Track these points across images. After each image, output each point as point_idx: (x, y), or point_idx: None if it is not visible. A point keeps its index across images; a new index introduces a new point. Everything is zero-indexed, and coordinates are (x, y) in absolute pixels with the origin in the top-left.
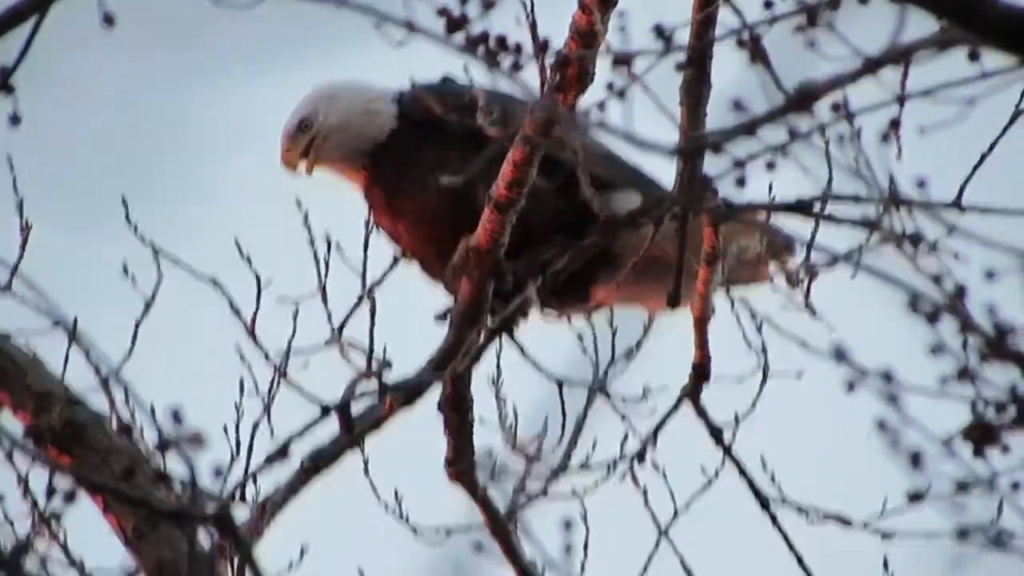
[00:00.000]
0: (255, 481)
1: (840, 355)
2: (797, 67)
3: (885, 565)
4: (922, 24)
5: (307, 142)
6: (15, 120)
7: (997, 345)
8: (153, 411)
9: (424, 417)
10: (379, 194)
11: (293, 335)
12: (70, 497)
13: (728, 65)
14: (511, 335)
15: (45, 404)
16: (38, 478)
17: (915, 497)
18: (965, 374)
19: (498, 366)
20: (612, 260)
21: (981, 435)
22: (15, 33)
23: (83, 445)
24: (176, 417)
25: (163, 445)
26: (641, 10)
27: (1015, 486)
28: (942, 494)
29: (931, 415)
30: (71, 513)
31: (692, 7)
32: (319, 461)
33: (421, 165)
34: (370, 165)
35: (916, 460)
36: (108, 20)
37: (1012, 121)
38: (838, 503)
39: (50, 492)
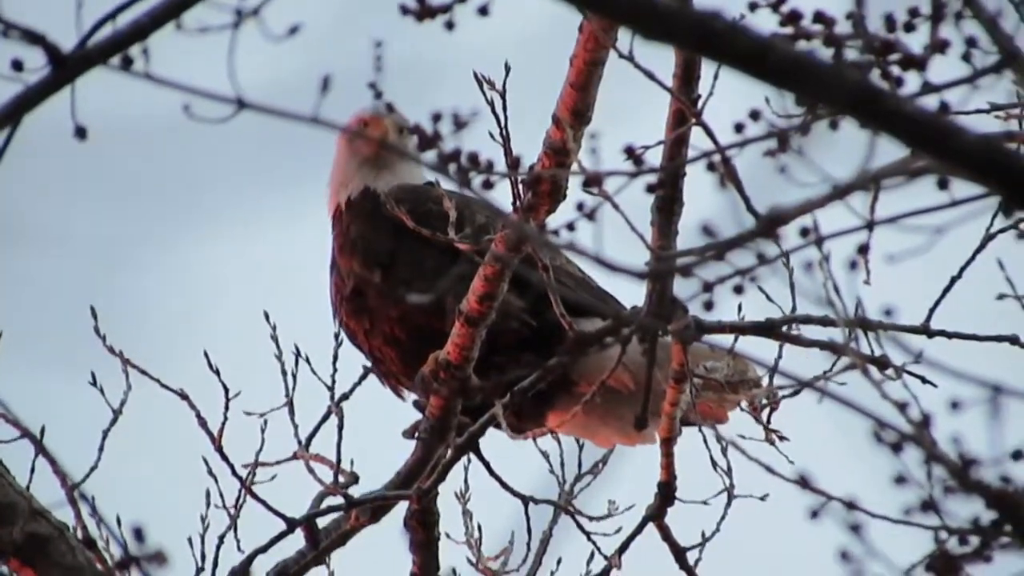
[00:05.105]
0: None
1: (804, 483)
2: (767, 191)
3: None
4: (892, 151)
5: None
6: None
7: (962, 476)
8: (119, 523)
9: (390, 532)
10: (337, 262)
11: (260, 448)
12: None
13: (699, 186)
14: (478, 452)
15: (9, 516)
16: None
17: None
18: (928, 505)
19: (466, 482)
20: (569, 386)
21: (944, 566)
22: None
23: (46, 559)
24: (138, 535)
25: (125, 563)
26: (613, 129)
27: None
28: None
29: (894, 544)
30: None
31: (665, 127)
32: (284, 575)
33: (378, 260)
34: (337, 222)
35: None
36: (80, 133)
37: (983, 245)
38: None
39: None
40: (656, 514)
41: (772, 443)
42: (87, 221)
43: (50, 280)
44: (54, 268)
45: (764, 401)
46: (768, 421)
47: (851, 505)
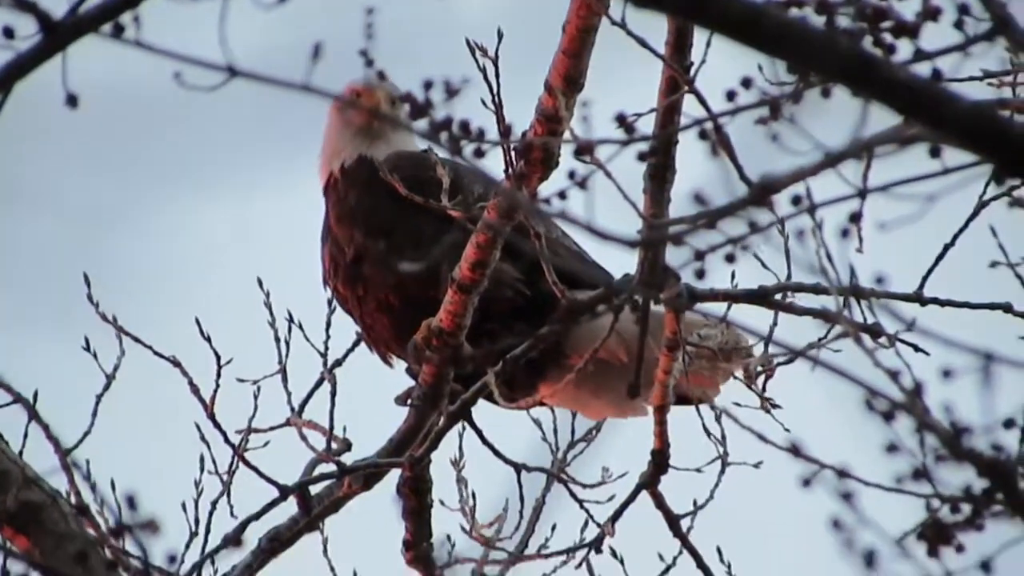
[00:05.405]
0: (212, 561)
1: (796, 451)
2: (759, 159)
3: None
4: (884, 119)
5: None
6: None
7: (953, 445)
8: (114, 488)
9: (383, 499)
10: (330, 233)
11: (253, 415)
12: None
13: (691, 155)
14: (470, 419)
15: (2, 484)
16: None
17: None
18: (920, 474)
19: (460, 449)
20: (561, 359)
21: (935, 534)
22: None
23: (39, 526)
24: (131, 503)
25: (118, 531)
26: (605, 97)
27: None
28: None
29: (885, 513)
30: None
31: (657, 95)
32: (277, 542)
33: (371, 227)
34: (331, 191)
35: (870, 560)
36: (72, 101)
37: (976, 213)
38: None
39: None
40: (649, 482)
41: (768, 411)
42: (79, 185)
43: (42, 244)
44: (46, 232)
45: (760, 368)
46: (764, 389)
47: (843, 473)
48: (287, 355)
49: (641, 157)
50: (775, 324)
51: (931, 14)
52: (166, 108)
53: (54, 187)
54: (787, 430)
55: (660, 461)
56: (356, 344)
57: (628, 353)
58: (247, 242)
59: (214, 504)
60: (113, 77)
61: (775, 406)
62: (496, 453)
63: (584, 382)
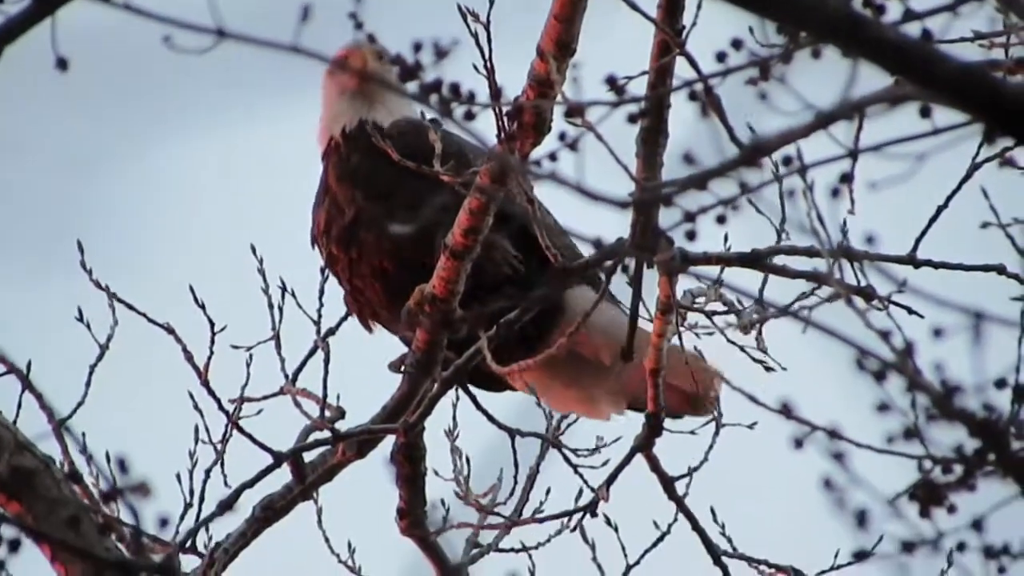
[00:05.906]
0: (206, 529)
1: (787, 412)
2: (749, 120)
3: None
4: (874, 79)
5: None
6: None
7: (944, 404)
8: (108, 458)
9: (377, 467)
10: (325, 204)
11: (246, 383)
12: (15, 546)
13: (682, 117)
14: (464, 385)
15: None
16: None
17: (860, 556)
18: (912, 433)
19: (453, 417)
20: (553, 335)
21: (927, 495)
22: None
23: (32, 491)
24: (122, 466)
25: (108, 495)
26: (596, 60)
27: (960, 547)
28: (888, 553)
29: (877, 473)
30: (18, 561)
31: (649, 57)
32: (271, 510)
33: (368, 192)
34: (331, 154)
35: (861, 519)
36: (62, 64)
37: (969, 175)
38: (789, 555)
39: None
40: (644, 444)
41: (769, 368)
42: (63, 134)
43: (28, 200)
44: (34, 186)
45: (754, 318)
46: (759, 343)
47: (834, 434)
48: (280, 322)
49: (632, 119)
50: (764, 283)
51: None
52: (152, 58)
53: (38, 137)
54: (785, 369)
55: (654, 424)
56: (349, 313)
57: (611, 357)
58: (240, 205)
59: (208, 473)
60: (98, 26)
61: (769, 369)
62: (490, 419)
63: (559, 371)
